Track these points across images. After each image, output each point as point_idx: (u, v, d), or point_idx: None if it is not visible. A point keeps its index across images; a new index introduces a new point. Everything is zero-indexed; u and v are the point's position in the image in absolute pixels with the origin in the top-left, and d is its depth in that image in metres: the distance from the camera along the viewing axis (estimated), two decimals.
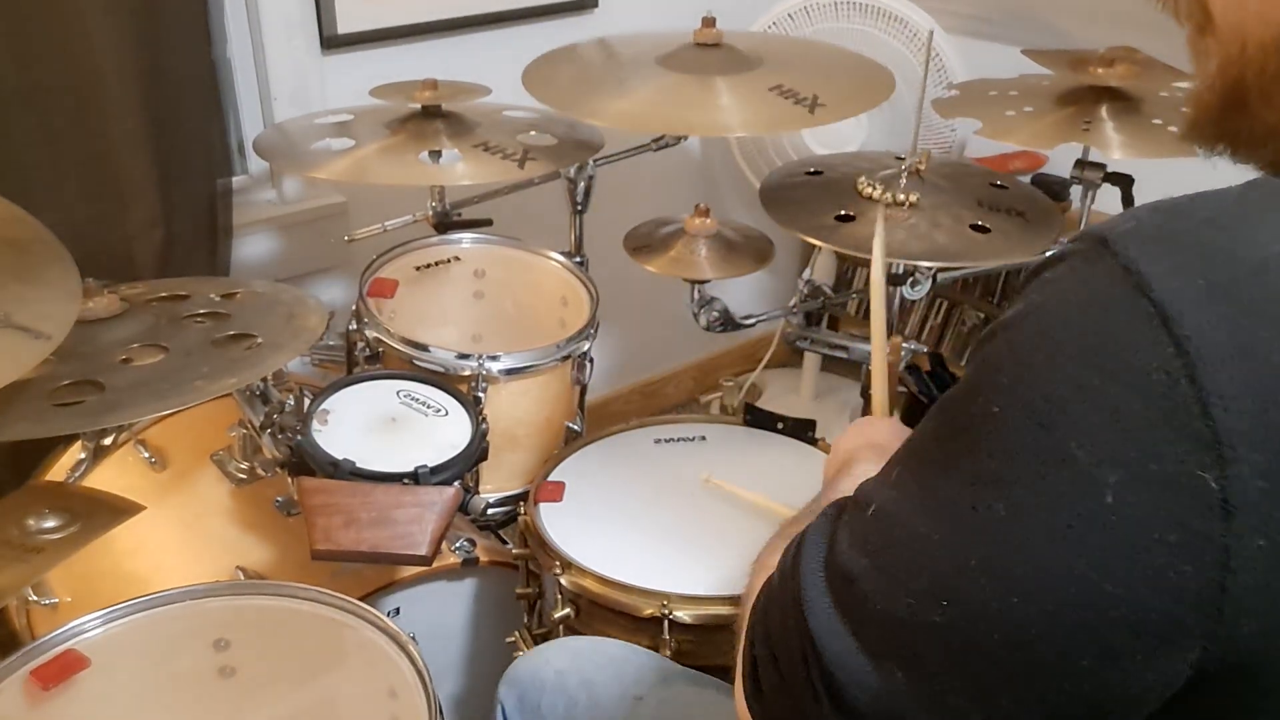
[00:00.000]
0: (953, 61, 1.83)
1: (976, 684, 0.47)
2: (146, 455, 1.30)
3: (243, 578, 1.13)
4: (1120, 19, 1.44)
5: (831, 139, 1.94)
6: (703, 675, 1.00)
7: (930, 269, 1.34)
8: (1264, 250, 0.43)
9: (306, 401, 1.18)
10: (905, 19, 1.83)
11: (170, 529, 1.23)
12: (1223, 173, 0.53)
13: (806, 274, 1.52)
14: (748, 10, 1.93)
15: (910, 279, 1.37)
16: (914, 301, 1.47)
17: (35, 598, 1.16)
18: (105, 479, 1.28)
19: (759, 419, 1.36)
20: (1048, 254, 0.49)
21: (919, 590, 0.48)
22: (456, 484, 1.14)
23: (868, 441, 0.83)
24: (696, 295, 1.39)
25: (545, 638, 1.18)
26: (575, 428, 1.42)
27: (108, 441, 1.31)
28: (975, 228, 1.30)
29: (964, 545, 0.46)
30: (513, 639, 1.20)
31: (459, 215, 1.54)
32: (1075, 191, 1.50)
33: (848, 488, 0.60)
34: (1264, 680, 0.44)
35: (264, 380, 1.17)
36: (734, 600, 1.05)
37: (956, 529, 0.47)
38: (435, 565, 1.09)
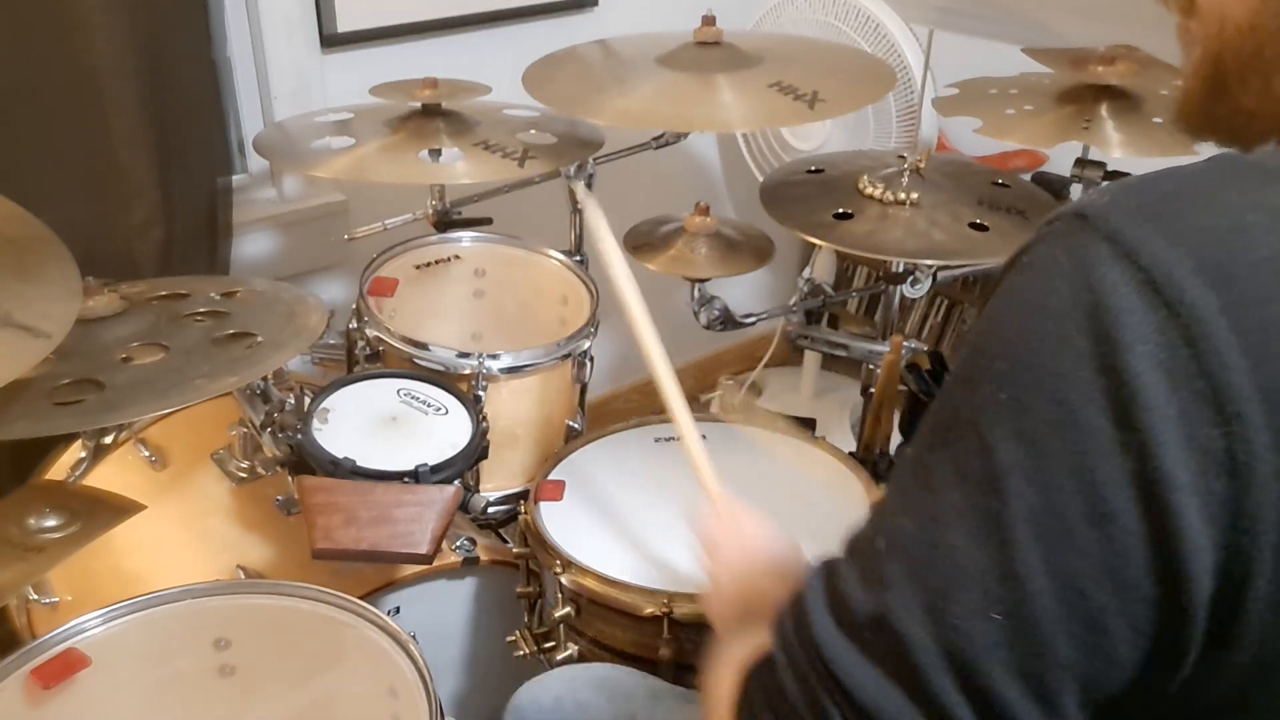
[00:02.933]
0: (915, 58, 1.81)
1: (1036, 682, 0.46)
2: (147, 454, 1.30)
3: (243, 577, 1.13)
4: (1107, 17, 1.44)
5: (805, 133, 1.94)
6: (691, 693, 1.00)
7: (930, 267, 1.34)
8: (1238, 214, 0.44)
9: (307, 400, 1.18)
10: (870, 13, 1.82)
11: (170, 528, 1.23)
12: None
13: (806, 272, 1.52)
14: (746, 11, 1.93)
15: (910, 277, 1.37)
16: (914, 300, 1.47)
17: (36, 596, 1.16)
18: (105, 478, 1.28)
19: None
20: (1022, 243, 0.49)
21: (968, 611, 0.45)
22: (457, 483, 1.14)
23: (737, 572, 0.81)
24: (696, 294, 1.39)
25: (546, 637, 1.18)
26: (575, 426, 1.42)
27: (108, 440, 1.31)
28: (974, 226, 1.30)
29: (1005, 544, 0.45)
30: (513, 638, 1.20)
31: (459, 214, 1.54)
32: (1075, 190, 1.50)
33: (778, 594, 0.56)
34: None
35: (264, 379, 1.17)
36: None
37: (992, 530, 0.45)
38: (435, 564, 1.09)
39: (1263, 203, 0.45)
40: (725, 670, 0.59)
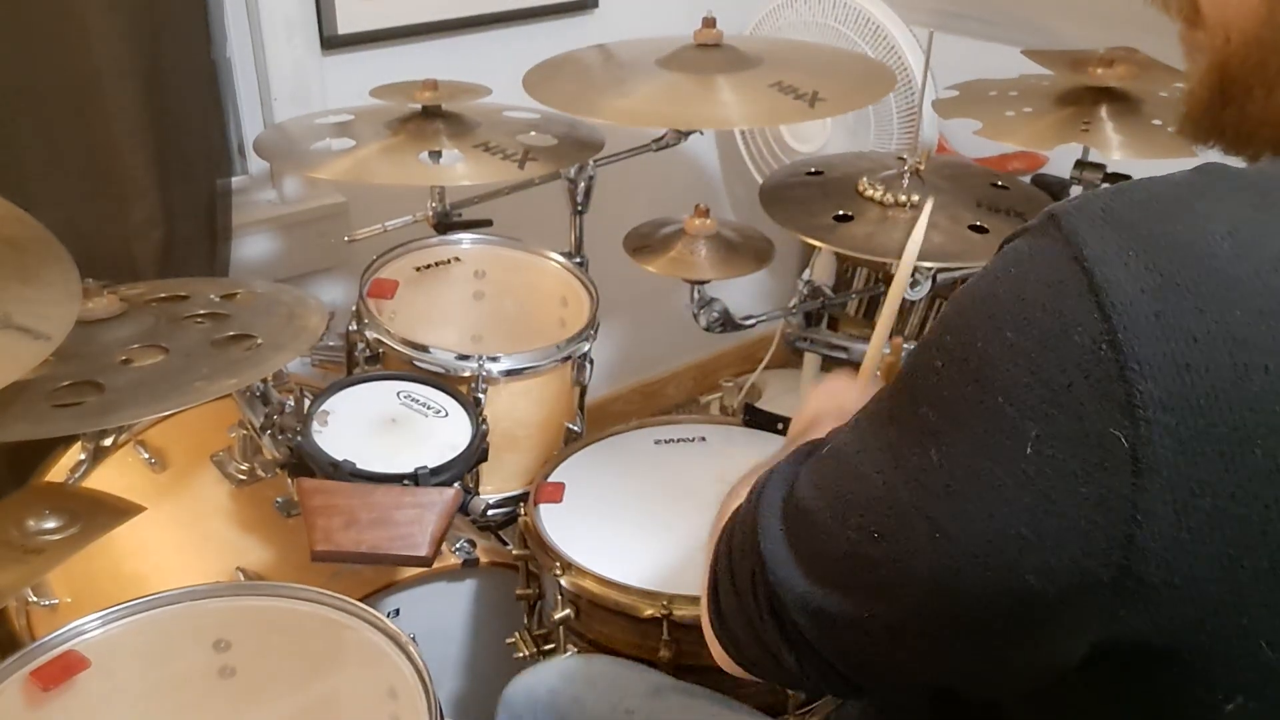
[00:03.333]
0: (916, 60, 1.81)
1: (902, 617, 0.51)
2: (146, 456, 1.30)
3: (243, 578, 1.13)
4: (1110, 20, 1.44)
5: (805, 135, 1.95)
6: (694, 687, 1.00)
7: (930, 269, 1.34)
8: (1198, 229, 0.45)
9: (306, 402, 1.18)
10: (870, 15, 1.81)
11: (170, 530, 1.23)
12: None
13: (806, 274, 1.52)
14: (745, 13, 1.93)
15: (910, 279, 1.37)
16: (914, 302, 1.47)
17: (35, 598, 1.16)
18: (105, 480, 1.28)
19: (759, 419, 1.36)
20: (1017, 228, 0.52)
21: (859, 525, 0.52)
22: (456, 485, 1.14)
23: (835, 406, 0.85)
24: (696, 296, 1.39)
25: (545, 639, 1.18)
26: (575, 428, 1.42)
27: (108, 442, 1.31)
28: (973, 228, 1.30)
29: (901, 488, 0.50)
30: (513, 640, 1.20)
31: (459, 215, 1.54)
32: (1075, 191, 1.50)
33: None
34: (1184, 643, 0.45)
35: (264, 381, 1.17)
36: None
37: (896, 472, 0.51)
38: (435, 566, 1.09)
39: (1228, 212, 0.45)
40: (733, 497, 0.67)
